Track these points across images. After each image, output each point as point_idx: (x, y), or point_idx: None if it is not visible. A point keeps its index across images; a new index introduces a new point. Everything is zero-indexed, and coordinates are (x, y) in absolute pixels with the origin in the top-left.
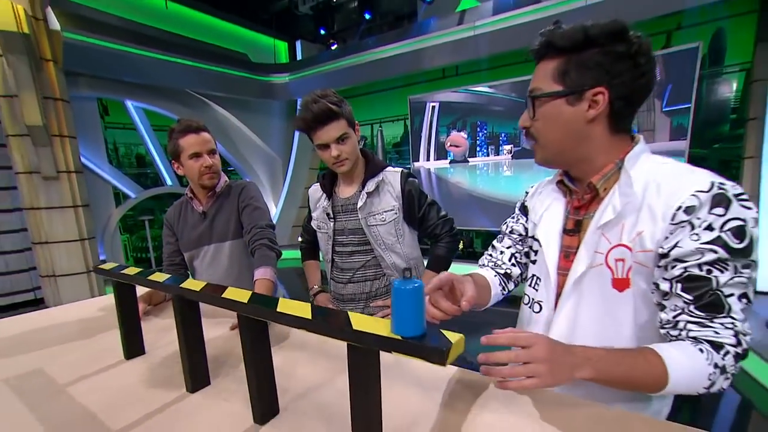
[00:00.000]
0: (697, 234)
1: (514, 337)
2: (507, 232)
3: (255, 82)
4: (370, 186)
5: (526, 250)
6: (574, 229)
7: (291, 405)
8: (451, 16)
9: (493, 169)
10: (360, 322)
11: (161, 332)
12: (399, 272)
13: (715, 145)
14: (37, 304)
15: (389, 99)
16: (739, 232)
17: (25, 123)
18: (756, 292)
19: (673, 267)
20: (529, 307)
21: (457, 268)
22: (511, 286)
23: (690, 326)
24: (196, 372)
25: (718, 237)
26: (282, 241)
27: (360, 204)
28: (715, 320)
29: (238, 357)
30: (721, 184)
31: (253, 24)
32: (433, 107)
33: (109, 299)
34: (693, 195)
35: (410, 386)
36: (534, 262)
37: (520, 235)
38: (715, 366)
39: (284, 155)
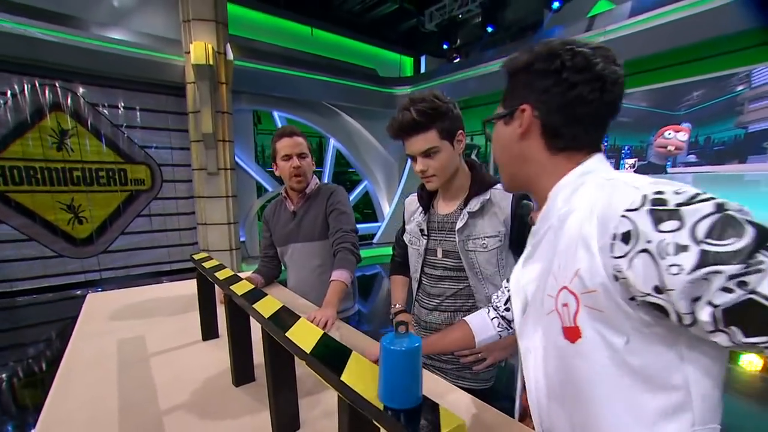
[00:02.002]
0: (678, 265)
1: None
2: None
3: (380, 94)
4: (474, 205)
5: None
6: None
7: (312, 421)
8: (579, 23)
9: None
10: (353, 371)
11: None
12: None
13: None
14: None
15: None
16: (725, 230)
17: (201, 131)
18: None
19: (696, 316)
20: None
21: None
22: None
23: None
24: (241, 368)
25: (702, 252)
26: (390, 238)
27: (460, 225)
28: None
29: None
30: (657, 193)
31: (382, 42)
32: None
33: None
34: (623, 217)
35: None
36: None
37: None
38: None
39: (401, 159)
